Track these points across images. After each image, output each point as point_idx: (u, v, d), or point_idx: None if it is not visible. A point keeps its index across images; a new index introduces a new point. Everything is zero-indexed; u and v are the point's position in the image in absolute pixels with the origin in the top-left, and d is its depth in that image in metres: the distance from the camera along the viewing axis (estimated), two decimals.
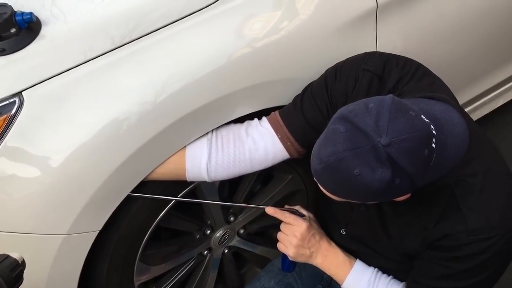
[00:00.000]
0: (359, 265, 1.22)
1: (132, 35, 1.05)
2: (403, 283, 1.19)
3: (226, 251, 1.50)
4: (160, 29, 1.07)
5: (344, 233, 1.25)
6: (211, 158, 1.10)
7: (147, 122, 1.03)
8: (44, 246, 1.04)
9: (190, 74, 1.06)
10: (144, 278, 1.32)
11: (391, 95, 0.88)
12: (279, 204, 1.47)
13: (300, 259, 1.24)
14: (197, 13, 1.09)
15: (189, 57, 1.07)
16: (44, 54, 1.01)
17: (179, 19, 1.08)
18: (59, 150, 0.98)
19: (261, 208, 1.24)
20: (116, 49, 1.04)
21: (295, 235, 1.21)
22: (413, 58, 1.13)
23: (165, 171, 1.11)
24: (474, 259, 0.98)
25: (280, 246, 1.25)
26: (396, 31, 1.30)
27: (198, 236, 1.39)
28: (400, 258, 1.15)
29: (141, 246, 1.22)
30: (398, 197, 0.93)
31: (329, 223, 1.31)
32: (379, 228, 1.14)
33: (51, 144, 0.98)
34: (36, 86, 0.98)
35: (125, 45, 1.04)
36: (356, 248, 1.24)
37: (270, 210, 1.23)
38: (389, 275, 1.21)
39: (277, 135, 1.13)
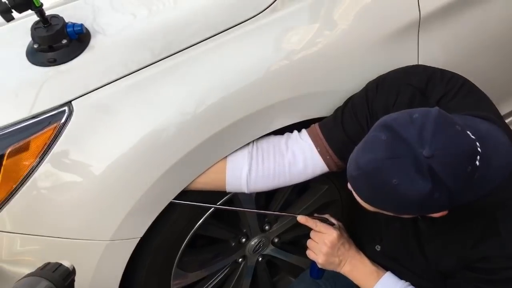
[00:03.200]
0: (388, 277, 1.21)
1: (172, 47, 1.07)
2: None
3: (260, 259, 1.51)
4: (200, 43, 1.09)
5: (378, 249, 1.25)
6: (251, 171, 1.12)
7: (189, 132, 1.05)
8: (88, 252, 1.07)
9: (230, 86, 1.07)
10: (180, 284, 1.34)
11: (437, 108, 0.87)
12: (312, 214, 1.48)
13: (329, 267, 1.25)
14: (236, 26, 1.11)
15: (229, 70, 1.08)
16: (93, 65, 1.04)
17: (219, 33, 1.10)
18: (106, 159, 1.01)
19: (293, 216, 1.25)
20: (158, 62, 1.06)
21: (325, 243, 1.22)
22: (455, 71, 1.12)
23: (206, 181, 1.12)
24: (509, 283, 0.97)
25: (310, 254, 1.26)
26: (438, 43, 1.29)
27: (233, 244, 1.41)
28: (434, 277, 1.13)
29: (179, 253, 1.24)
30: (433, 212, 0.92)
31: (364, 238, 1.31)
32: (415, 246, 1.13)
33: (98, 152, 1.01)
34: (85, 96, 1.01)
35: (167, 58, 1.07)
36: (390, 266, 1.23)
37: (301, 219, 1.24)
38: None
39: (317, 149, 1.13)
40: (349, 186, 1.01)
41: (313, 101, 1.18)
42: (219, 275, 1.45)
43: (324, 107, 1.19)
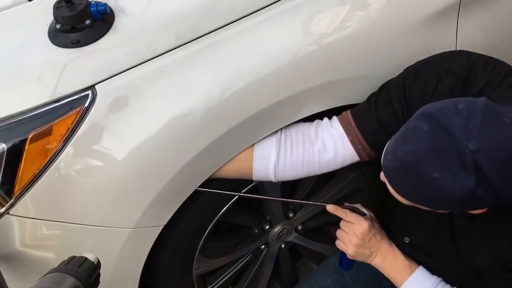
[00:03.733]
0: (421, 271, 1.16)
1: (199, 29, 1.03)
2: None
3: (283, 246, 1.48)
4: (226, 26, 1.04)
5: (407, 241, 1.20)
6: (279, 160, 1.08)
7: (216, 119, 1.01)
8: (111, 239, 1.05)
9: (258, 72, 1.03)
10: (202, 271, 1.33)
11: (484, 98, 0.82)
12: (339, 203, 1.43)
13: (359, 258, 1.21)
14: (264, 9, 1.06)
15: (257, 54, 1.04)
16: (117, 47, 0.99)
17: (246, 16, 1.05)
18: (130, 144, 0.98)
19: (322, 205, 1.21)
20: (184, 45, 1.01)
21: (356, 234, 1.17)
22: (495, 56, 1.05)
23: (232, 169, 1.09)
24: None
25: (339, 244, 1.22)
26: (478, 27, 1.22)
27: (256, 230, 1.38)
28: (466, 273, 1.09)
29: (202, 240, 1.22)
30: (474, 209, 0.87)
31: (392, 229, 1.26)
32: (448, 241, 1.08)
33: (122, 137, 0.98)
34: (109, 79, 0.97)
35: (193, 41, 1.02)
36: (419, 259, 1.19)
37: (331, 208, 1.19)
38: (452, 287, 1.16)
39: (348, 138, 1.08)
40: (381, 176, 0.96)
41: (345, 87, 1.13)
42: (241, 262, 1.42)
43: (357, 94, 1.14)
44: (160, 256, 1.17)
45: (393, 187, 0.88)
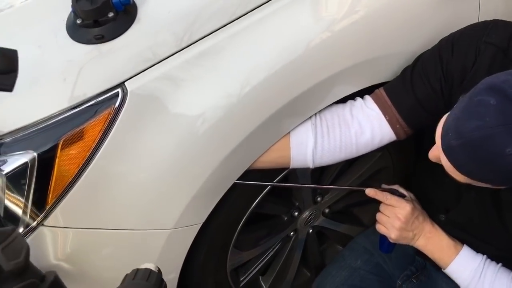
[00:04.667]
0: (466, 251, 1.15)
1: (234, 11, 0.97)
2: None
3: (310, 231, 1.46)
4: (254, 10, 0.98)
5: (442, 219, 1.18)
6: (317, 145, 1.04)
7: (253, 110, 0.97)
8: (150, 242, 1.01)
9: (288, 57, 0.98)
10: (236, 264, 1.30)
11: None
12: (365, 184, 1.41)
13: (402, 242, 1.18)
14: None
15: (285, 40, 0.98)
16: (144, 40, 0.93)
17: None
18: (167, 142, 0.93)
19: (360, 189, 1.18)
20: (212, 33, 0.96)
21: (399, 217, 1.14)
22: None
23: (269, 159, 1.05)
24: None
25: (381, 228, 1.19)
26: None
27: (286, 218, 1.35)
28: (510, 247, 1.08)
29: (236, 233, 1.19)
30: None
31: (424, 207, 1.24)
32: (493, 216, 1.06)
33: (158, 136, 0.93)
34: (139, 75, 0.91)
35: (221, 28, 0.96)
36: (457, 236, 1.17)
37: (370, 192, 1.16)
38: (498, 263, 1.14)
39: (385, 117, 1.05)
40: (433, 155, 0.93)
41: (375, 66, 1.09)
42: (270, 252, 1.40)
43: (387, 72, 1.10)
44: (196, 253, 1.13)
45: (455, 166, 0.84)
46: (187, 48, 0.94)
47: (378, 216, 1.18)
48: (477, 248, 1.15)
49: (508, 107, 0.74)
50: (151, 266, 0.70)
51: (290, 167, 1.08)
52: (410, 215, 1.13)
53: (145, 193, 0.95)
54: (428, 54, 1.05)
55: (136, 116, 0.91)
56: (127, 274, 0.68)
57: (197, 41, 0.95)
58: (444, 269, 1.17)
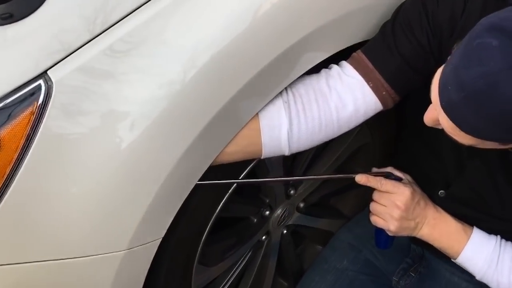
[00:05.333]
0: (478, 233, 1.19)
1: None
2: None
3: (285, 231, 1.48)
4: None
5: (442, 196, 1.23)
6: (292, 126, 1.04)
7: (203, 97, 0.95)
8: (101, 269, 0.98)
9: (234, 32, 0.96)
10: (202, 283, 1.29)
11: None
12: (345, 167, 1.45)
13: (403, 233, 1.21)
14: None
15: (228, 12, 0.96)
16: (65, 16, 0.89)
17: None
18: (107, 148, 0.90)
19: (349, 177, 1.18)
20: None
21: (398, 205, 1.17)
22: None
23: (236, 149, 1.03)
24: None
25: (377, 221, 1.21)
26: None
27: (255, 220, 1.36)
28: None
29: (200, 245, 1.18)
30: None
31: (418, 182, 1.27)
32: (503, 183, 1.11)
33: (96, 139, 0.89)
34: (64, 61, 0.87)
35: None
36: (460, 213, 1.22)
37: (362, 179, 1.16)
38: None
39: (369, 84, 1.07)
40: (429, 118, 0.96)
41: (348, 24, 1.09)
42: (240, 263, 1.40)
43: (364, 30, 1.12)
44: (156, 275, 1.12)
45: (458, 125, 0.86)
46: (107, 31, 0.91)
47: (373, 206, 1.20)
48: (485, 225, 1.20)
49: None
50: None
51: (262, 157, 1.07)
52: (410, 200, 1.16)
53: (89, 211, 0.92)
54: (409, 4, 1.07)
55: (67, 113, 0.87)
56: None
57: (119, 21, 0.92)
58: (455, 259, 1.21)
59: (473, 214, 1.20)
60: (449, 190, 1.21)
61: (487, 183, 1.13)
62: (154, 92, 0.91)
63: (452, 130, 0.90)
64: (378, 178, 1.18)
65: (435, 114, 0.93)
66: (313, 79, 1.09)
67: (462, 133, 0.88)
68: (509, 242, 1.18)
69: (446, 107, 0.86)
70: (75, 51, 0.88)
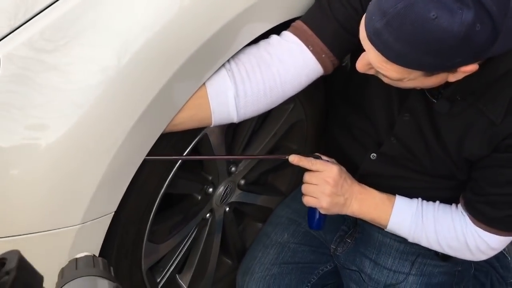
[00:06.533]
0: (400, 200, 1.29)
1: None
2: (453, 204, 1.29)
3: (227, 209, 1.51)
4: None
5: (374, 158, 1.31)
6: (238, 91, 1.08)
7: (141, 81, 0.98)
8: (55, 243, 0.98)
9: (167, 14, 1.00)
10: (151, 261, 1.30)
11: None
12: (281, 143, 1.50)
13: (334, 210, 1.29)
14: None
15: None
16: None
17: None
18: (58, 123, 0.91)
19: (282, 158, 1.26)
20: None
21: (327, 181, 1.25)
22: None
23: (185, 118, 1.06)
24: None
25: (309, 200, 1.28)
26: None
27: (200, 197, 1.38)
28: (450, 171, 1.23)
29: (149, 222, 1.19)
30: (474, 57, 0.95)
31: (352, 150, 1.35)
32: (430, 136, 1.19)
33: (46, 115, 0.91)
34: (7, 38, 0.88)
35: None
36: (388, 172, 1.31)
37: (294, 159, 1.25)
38: (434, 201, 1.30)
39: (309, 48, 1.13)
40: (359, 64, 1.04)
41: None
42: (187, 241, 1.42)
43: (301, 4, 1.18)
44: (107, 251, 1.11)
45: (384, 53, 0.95)
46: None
47: (305, 187, 1.27)
48: (412, 182, 1.29)
49: None
50: (87, 253, 0.70)
51: (212, 124, 1.10)
52: (338, 176, 1.24)
53: (40, 187, 0.93)
54: None
55: (13, 88, 0.88)
56: (63, 268, 0.66)
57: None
58: (386, 228, 1.30)
59: (406, 173, 1.29)
60: (380, 149, 1.29)
61: (416, 137, 1.21)
62: (88, 80, 0.93)
63: (380, 64, 0.98)
64: (309, 158, 1.26)
65: (365, 58, 1.02)
66: (253, 48, 1.13)
67: (390, 65, 0.97)
68: (430, 202, 1.28)
69: (372, 37, 0.94)
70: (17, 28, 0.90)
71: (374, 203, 1.29)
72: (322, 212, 1.30)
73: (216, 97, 1.07)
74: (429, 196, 1.30)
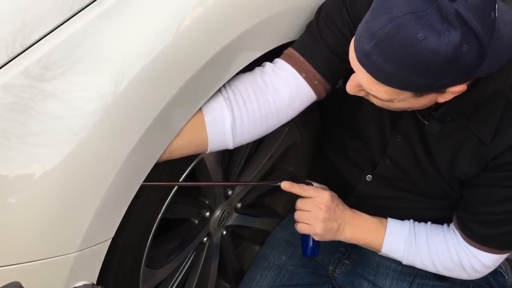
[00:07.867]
0: (392, 222, 1.30)
1: None
2: (445, 224, 1.29)
3: (224, 232, 1.50)
4: None
5: (370, 179, 1.31)
6: (235, 119, 1.08)
7: (137, 108, 0.97)
8: (52, 273, 0.97)
9: (163, 41, 1.00)
10: (150, 287, 1.29)
11: None
12: (277, 166, 1.51)
13: (328, 236, 1.29)
14: None
15: (154, 23, 1.01)
16: None
17: None
18: (55, 151, 0.91)
19: (275, 184, 1.27)
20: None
21: (320, 207, 1.26)
22: None
23: (181, 145, 1.05)
24: None
25: (303, 227, 1.29)
26: None
27: (197, 221, 1.37)
28: (444, 191, 1.24)
29: (147, 247, 1.18)
30: (463, 77, 0.95)
31: (347, 173, 1.36)
32: (422, 156, 1.20)
33: (43, 142, 0.90)
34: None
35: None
36: (387, 194, 1.32)
37: (286, 185, 1.26)
38: (426, 222, 1.30)
39: (301, 75, 1.14)
40: (349, 86, 1.05)
41: (277, 24, 1.16)
42: (185, 265, 1.41)
43: (292, 30, 1.19)
44: (105, 278, 1.10)
45: (373, 74, 0.95)
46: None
47: (297, 214, 1.28)
48: (407, 202, 1.29)
49: None
50: (86, 282, 0.69)
51: (208, 151, 1.10)
52: (330, 202, 1.25)
53: (37, 214, 0.92)
54: (330, 1, 1.16)
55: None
56: None
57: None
58: (380, 251, 1.31)
59: (402, 194, 1.30)
60: (375, 171, 1.29)
61: (409, 159, 1.22)
62: (84, 108, 0.93)
63: (370, 85, 0.99)
64: (301, 184, 1.27)
65: (355, 79, 1.03)
66: (249, 75, 1.14)
67: (379, 86, 0.97)
68: (422, 223, 1.29)
69: (361, 59, 0.95)
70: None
71: (367, 227, 1.30)
72: (316, 238, 1.31)
73: (213, 125, 1.07)
74: (425, 216, 1.31)
